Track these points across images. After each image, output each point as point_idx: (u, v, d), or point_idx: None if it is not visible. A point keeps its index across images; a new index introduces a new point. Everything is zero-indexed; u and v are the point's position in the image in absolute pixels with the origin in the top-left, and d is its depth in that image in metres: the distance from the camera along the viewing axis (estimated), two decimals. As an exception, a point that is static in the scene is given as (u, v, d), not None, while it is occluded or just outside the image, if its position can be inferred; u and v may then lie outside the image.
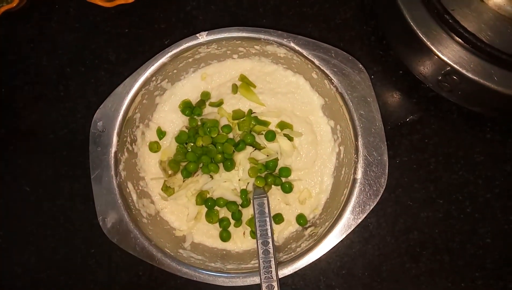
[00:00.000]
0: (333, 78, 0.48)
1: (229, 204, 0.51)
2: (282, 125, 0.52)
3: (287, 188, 0.51)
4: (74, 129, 0.58)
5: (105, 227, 0.47)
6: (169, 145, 0.53)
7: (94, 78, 0.59)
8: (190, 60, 0.52)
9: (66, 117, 0.58)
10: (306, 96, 0.53)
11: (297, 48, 0.48)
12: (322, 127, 0.53)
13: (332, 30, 0.58)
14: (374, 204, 0.46)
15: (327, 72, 0.48)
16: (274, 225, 0.51)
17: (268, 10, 0.59)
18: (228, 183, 0.52)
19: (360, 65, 0.48)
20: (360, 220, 0.46)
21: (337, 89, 0.48)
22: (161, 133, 0.53)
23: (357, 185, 0.46)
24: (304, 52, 0.48)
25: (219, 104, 0.53)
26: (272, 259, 0.44)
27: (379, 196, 0.46)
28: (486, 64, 0.45)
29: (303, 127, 0.52)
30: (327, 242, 0.45)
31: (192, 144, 0.52)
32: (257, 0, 0.60)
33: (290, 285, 0.53)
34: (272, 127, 0.53)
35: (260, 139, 0.52)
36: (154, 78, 0.50)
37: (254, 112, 0.53)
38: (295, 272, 0.46)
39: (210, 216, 0.51)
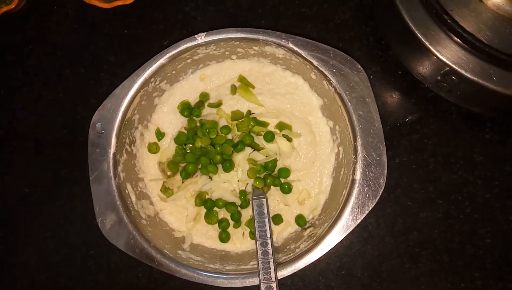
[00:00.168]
0: (331, 79, 0.48)
1: (228, 205, 0.51)
2: (281, 126, 0.52)
3: (286, 189, 0.51)
4: (73, 130, 0.58)
5: (104, 229, 0.47)
6: (168, 146, 0.53)
7: (93, 79, 0.59)
8: (189, 61, 0.52)
9: (65, 118, 0.58)
10: (305, 97, 0.53)
11: (295, 48, 0.48)
12: (321, 127, 0.53)
13: (331, 30, 0.58)
14: (373, 205, 0.46)
15: (326, 72, 0.48)
16: (273, 226, 0.51)
17: (266, 10, 0.59)
18: (227, 184, 0.52)
19: (359, 66, 0.48)
20: (359, 221, 0.46)
21: (335, 89, 0.48)
22: (160, 134, 0.53)
23: (356, 185, 0.46)
24: (303, 53, 0.48)
25: (218, 105, 0.53)
26: (271, 260, 0.44)
27: (378, 196, 0.46)
28: (485, 64, 0.45)
29: (302, 127, 0.52)
30: (326, 243, 0.45)
31: (191, 145, 0.52)
32: (255, 1, 0.60)
33: (289, 286, 0.53)
34: (271, 127, 0.53)
35: (259, 140, 0.52)
36: (152, 79, 0.50)
37: (253, 113, 0.53)
38: (294, 273, 0.45)
39: (209, 217, 0.51)
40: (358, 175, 0.46)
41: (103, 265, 0.55)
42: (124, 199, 0.48)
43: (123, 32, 0.60)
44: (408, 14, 0.47)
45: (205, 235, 0.52)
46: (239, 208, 0.52)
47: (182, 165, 0.52)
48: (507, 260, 0.53)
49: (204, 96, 0.54)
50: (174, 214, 0.52)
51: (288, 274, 0.45)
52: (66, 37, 0.60)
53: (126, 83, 0.49)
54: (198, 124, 0.53)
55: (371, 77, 0.56)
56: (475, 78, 0.45)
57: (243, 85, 0.53)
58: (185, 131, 0.53)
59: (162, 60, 0.49)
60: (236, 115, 0.53)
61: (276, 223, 0.51)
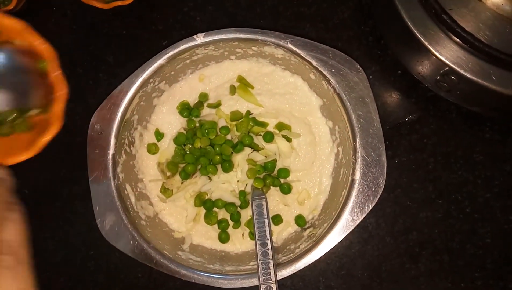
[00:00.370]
0: (331, 79, 0.48)
1: (227, 205, 0.51)
2: (281, 126, 0.52)
3: (286, 189, 0.51)
4: (72, 131, 0.58)
5: (104, 229, 0.47)
6: (167, 147, 0.53)
7: (92, 79, 0.59)
8: (188, 61, 0.51)
9: (64, 118, 0.58)
10: (304, 97, 0.53)
11: (294, 49, 0.48)
12: (320, 128, 0.53)
13: (330, 30, 0.58)
14: (373, 205, 0.46)
15: (325, 72, 0.48)
16: (273, 226, 0.51)
17: (265, 10, 0.59)
18: (227, 184, 0.52)
19: (358, 66, 0.48)
20: (359, 221, 0.46)
21: (335, 89, 0.48)
22: (159, 135, 0.53)
23: (356, 185, 0.46)
24: (302, 53, 0.48)
25: (217, 105, 0.53)
26: (271, 261, 0.44)
27: (378, 196, 0.46)
28: (485, 64, 0.45)
29: (301, 128, 0.52)
30: (326, 243, 0.45)
31: (190, 146, 0.52)
32: (255, 0, 0.59)
33: (289, 287, 0.53)
34: (270, 128, 0.53)
35: (259, 140, 0.52)
36: (151, 79, 0.50)
37: (252, 113, 0.53)
38: (294, 273, 0.45)
39: (209, 218, 0.51)
40: (357, 175, 0.46)
41: (103, 266, 0.55)
42: (124, 199, 0.48)
43: (122, 33, 0.60)
44: (407, 13, 0.47)
45: (205, 236, 0.52)
46: (238, 209, 0.52)
47: (182, 165, 0.52)
48: (507, 259, 0.53)
49: (203, 97, 0.54)
50: (174, 215, 0.52)
51: (288, 275, 0.45)
52: (64, 38, 0.60)
53: (125, 83, 0.48)
54: (197, 124, 0.52)
55: (370, 77, 0.56)
56: (474, 78, 0.45)
57: (242, 85, 0.53)
58: (184, 132, 0.53)
59: (161, 61, 0.49)
60: (235, 116, 0.52)
61: (276, 224, 0.51)
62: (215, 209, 0.52)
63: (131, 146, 0.51)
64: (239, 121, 0.52)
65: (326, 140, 0.52)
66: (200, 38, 0.49)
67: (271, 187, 0.52)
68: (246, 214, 0.52)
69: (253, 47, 0.50)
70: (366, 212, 0.46)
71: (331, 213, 0.48)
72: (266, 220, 0.47)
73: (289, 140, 0.52)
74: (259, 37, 0.48)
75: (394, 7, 0.47)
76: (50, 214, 0.56)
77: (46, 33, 0.60)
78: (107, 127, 0.48)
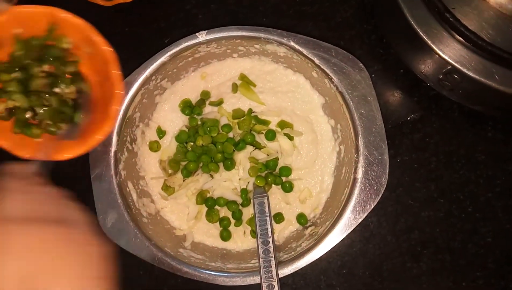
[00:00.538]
0: (333, 77, 0.48)
1: (229, 203, 0.51)
2: (282, 124, 0.52)
3: (288, 188, 0.51)
4: (74, 129, 0.58)
5: (105, 226, 0.47)
6: (169, 145, 0.53)
7: (94, 77, 0.59)
8: (190, 59, 0.51)
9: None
10: (306, 95, 0.53)
11: (297, 47, 0.48)
12: (322, 126, 0.53)
13: (332, 29, 0.58)
14: (375, 204, 0.46)
15: (327, 71, 0.48)
16: (274, 224, 0.51)
17: (268, 9, 0.59)
18: (228, 182, 0.52)
19: (361, 64, 0.48)
20: (360, 220, 0.46)
21: (337, 88, 0.48)
22: (161, 133, 0.53)
23: (358, 184, 0.46)
24: (304, 51, 0.48)
25: (219, 103, 0.53)
26: (273, 259, 0.44)
27: (380, 195, 0.46)
28: (487, 62, 0.45)
29: (303, 126, 0.52)
30: (327, 242, 0.45)
31: (192, 144, 0.52)
32: (257, -1, 0.60)
33: (290, 285, 0.53)
34: (272, 126, 0.53)
35: (260, 139, 0.52)
36: (153, 77, 0.50)
37: (254, 111, 0.53)
38: (296, 272, 0.45)
39: (211, 216, 0.51)
40: (359, 174, 0.46)
41: (104, 264, 0.55)
42: (125, 197, 0.48)
43: (124, 30, 0.60)
44: (410, 12, 0.47)
45: (206, 234, 0.52)
46: (240, 207, 0.52)
47: (183, 163, 0.52)
48: (509, 259, 0.53)
49: (205, 95, 0.53)
50: (175, 213, 0.52)
51: (290, 273, 0.45)
52: (67, 35, 0.60)
53: (127, 81, 0.48)
54: (199, 122, 0.52)
55: (373, 76, 0.56)
56: (477, 77, 0.45)
57: (244, 83, 0.53)
58: (186, 130, 0.53)
59: (163, 58, 0.49)
60: (237, 114, 0.52)
61: (277, 222, 0.51)
62: (216, 207, 0.52)
63: (133, 143, 0.51)
64: (241, 119, 0.52)
65: (328, 138, 0.52)
66: (202, 36, 0.49)
67: (273, 185, 0.51)
68: (247, 212, 0.52)
69: (255, 45, 0.50)
70: (368, 211, 0.46)
71: (332, 211, 0.48)
72: (267, 218, 0.47)
73: (291, 138, 0.52)
74: (262, 35, 0.48)
75: (397, 5, 0.47)
76: (51, 212, 0.56)
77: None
78: (109, 125, 0.48)
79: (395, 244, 0.53)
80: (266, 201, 0.47)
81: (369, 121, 0.47)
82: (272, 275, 0.43)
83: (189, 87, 0.54)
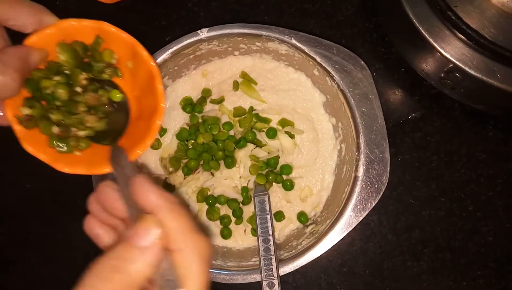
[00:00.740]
0: (334, 75, 0.48)
1: (230, 201, 0.51)
2: (284, 123, 0.52)
3: (288, 186, 0.51)
4: (75, 126, 0.58)
5: (106, 224, 0.46)
6: (170, 142, 0.53)
7: (95, 75, 0.59)
8: (191, 56, 0.51)
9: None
10: (307, 93, 0.53)
11: (298, 44, 0.48)
12: (323, 124, 0.53)
13: (334, 27, 0.58)
14: (376, 202, 0.46)
15: (329, 69, 0.48)
16: (275, 222, 0.51)
17: (269, 7, 0.59)
18: (229, 180, 0.52)
19: (362, 62, 0.48)
20: (361, 218, 0.45)
21: (338, 86, 0.48)
22: (162, 130, 0.53)
23: (359, 182, 0.46)
24: (306, 49, 0.48)
25: (220, 101, 0.53)
26: (273, 257, 0.44)
27: (381, 194, 0.46)
28: (489, 61, 0.44)
29: (304, 124, 0.52)
30: (328, 240, 0.45)
31: (193, 141, 0.52)
32: (258, -3, 0.59)
33: (291, 283, 0.53)
34: (273, 124, 0.53)
35: (261, 137, 0.52)
36: (155, 74, 0.49)
37: (255, 109, 0.53)
38: (296, 270, 0.45)
39: (211, 214, 0.51)
40: (360, 172, 0.46)
41: (105, 261, 0.55)
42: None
43: (125, 28, 0.59)
44: (412, 10, 0.46)
45: (207, 232, 0.52)
46: (241, 205, 0.52)
47: (184, 161, 0.52)
48: (510, 258, 0.52)
49: (206, 92, 0.53)
50: (176, 210, 0.52)
51: (290, 271, 0.45)
52: (68, 33, 0.60)
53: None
54: (200, 120, 0.52)
55: (374, 74, 0.56)
56: (479, 75, 0.45)
57: (246, 81, 0.53)
58: (187, 127, 0.53)
59: (164, 56, 0.49)
60: (238, 112, 0.52)
61: (278, 220, 0.51)
62: (217, 205, 0.52)
63: (134, 141, 0.51)
64: (242, 117, 0.52)
65: (329, 136, 0.52)
66: (204, 33, 0.49)
67: (274, 183, 0.51)
68: (248, 210, 0.52)
69: (256, 43, 0.50)
70: (369, 209, 0.46)
71: (333, 210, 0.48)
72: (268, 217, 0.46)
73: (292, 136, 0.52)
74: (263, 33, 0.48)
75: (399, 3, 0.47)
76: (52, 209, 0.56)
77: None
78: (110, 122, 0.48)
79: (396, 242, 0.53)
80: (266, 199, 0.47)
81: (370, 119, 0.47)
82: (272, 273, 0.43)
83: (190, 84, 0.54)
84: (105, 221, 0.33)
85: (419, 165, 0.54)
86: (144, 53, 0.36)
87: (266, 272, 0.44)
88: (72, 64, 0.36)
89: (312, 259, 0.45)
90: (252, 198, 0.49)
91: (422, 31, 0.46)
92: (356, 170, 0.46)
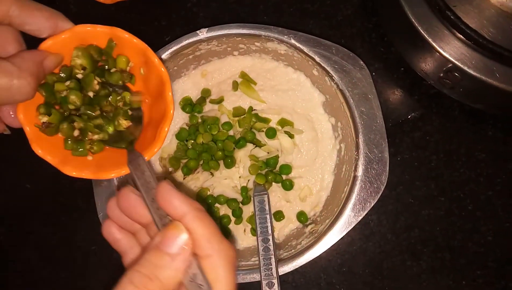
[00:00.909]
0: (334, 75, 0.48)
1: (229, 201, 0.51)
2: (283, 122, 0.52)
3: (288, 186, 0.51)
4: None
5: (106, 224, 0.47)
6: (169, 142, 0.53)
7: (94, 75, 0.59)
8: (191, 57, 0.51)
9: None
10: (307, 93, 0.53)
11: (297, 44, 0.48)
12: (323, 124, 0.53)
13: (333, 27, 0.58)
14: (375, 201, 0.46)
15: (328, 68, 0.48)
16: (274, 222, 0.51)
17: (269, 7, 0.59)
18: (229, 180, 0.52)
19: (361, 62, 0.48)
20: (360, 217, 0.46)
21: (338, 86, 0.48)
22: (161, 130, 0.53)
23: (358, 182, 0.46)
24: (305, 49, 0.48)
25: (219, 101, 0.53)
26: (273, 256, 0.44)
27: (380, 193, 0.46)
28: (488, 61, 0.45)
29: (303, 124, 0.52)
30: (327, 240, 0.45)
31: (192, 141, 0.52)
32: (258, -3, 0.60)
33: (290, 283, 0.53)
34: (272, 124, 0.53)
35: (261, 136, 0.52)
36: (154, 75, 0.50)
37: (254, 109, 0.53)
38: (296, 269, 0.45)
39: (211, 213, 0.51)
40: (359, 172, 0.46)
41: (105, 261, 0.55)
42: (126, 194, 0.48)
43: (125, 28, 0.59)
44: (411, 10, 0.47)
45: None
46: (240, 205, 0.52)
47: (184, 161, 0.52)
48: (509, 258, 0.52)
49: (205, 92, 0.54)
50: (176, 210, 0.52)
51: (290, 270, 0.45)
52: (68, 33, 0.60)
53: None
54: (199, 120, 0.53)
55: (373, 74, 0.56)
56: (478, 75, 0.45)
57: (245, 81, 0.53)
58: (187, 127, 0.53)
59: (163, 56, 0.49)
60: (237, 112, 0.52)
61: (278, 220, 0.51)
62: (217, 204, 0.52)
63: (134, 141, 0.51)
64: (242, 117, 0.52)
65: (329, 136, 0.52)
66: (203, 33, 0.49)
67: (273, 183, 0.52)
68: (248, 210, 0.52)
69: (256, 43, 0.50)
70: (368, 209, 0.46)
71: (333, 209, 0.48)
72: (267, 216, 0.47)
73: (291, 136, 0.52)
74: (262, 33, 0.48)
75: (398, 4, 0.47)
76: (52, 210, 0.56)
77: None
78: (109, 122, 0.48)
79: (395, 242, 0.53)
80: (266, 199, 0.47)
81: (370, 119, 0.47)
82: (272, 273, 0.43)
83: (189, 85, 0.54)
84: (124, 226, 0.33)
85: (419, 165, 0.55)
86: (155, 59, 0.37)
87: (265, 271, 0.44)
88: (88, 69, 0.36)
89: (312, 258, 0.45)
90: (252, 198, 0.49)
91: (421, 31, 0.46)
92: (355, 169, 0.46)
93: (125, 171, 0.36)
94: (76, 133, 0.37)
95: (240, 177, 0.52)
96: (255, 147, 0.52)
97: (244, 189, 0.51)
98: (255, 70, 0.53)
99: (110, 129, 0.37)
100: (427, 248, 0.53)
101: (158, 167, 0.53)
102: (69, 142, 0.37)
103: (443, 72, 0.48)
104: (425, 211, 0.54)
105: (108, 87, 0.37)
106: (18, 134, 0.59)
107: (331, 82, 0.49)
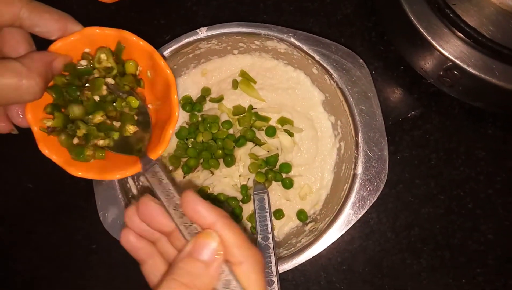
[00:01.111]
0: (333, 73, 0.48)
1: (229, 199, 0.51)
2: (283, 121, 0.52)
3: (288, 184, 0.51)
4: (75, 125, 0.58)
5: (106, 222, 0.47)
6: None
7: (95, 74, 0.59)
8: (191, 55, 0.52)
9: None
10: (306, 92, 0.53)
11: (297, 43, 0.48)
12: (322, 122, 0.53)
13: (333, 25, 0.58)
14: (374, 200, 0.46)
15: (328, 67, 0.48)
16: (274, 220, 0.51)
17: (268, 5, 0.59)
18: (229, 178, 0.52)
19: (361, 60, 0.48)
20: (360, 216, 0.46)
21: (337, 84, 0.48)
22: (161, 129, 0.53)
23: (357, 180, 0.46)
24: (304, 47, 0.48)
25: (219, 99, 0.53)
26: (272, 255, 0.44)
27: (379, 191, 0.46)
28: (488, 58, 0.45)
29: (303, 122, 0.52)
30: (327, 238, 0.45)
31: (192, 140, 0.52)
32: (257, -4, 0.60)
33: (290, 281, 0.53)
34: (272, 122, 0.53)
35: (261, 135, 0.52)
36: (154, 73, 0.50)
37: (254, 108, 0.53)
38: (296, 268, 0.45)
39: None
40: (359, 170, 0.46)
41: (105, 260, 0.55)
42: (126, 193, 0.48)
43: (125, 28, 0.59)
44: (410, 8, 0.47)
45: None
46: (240, 203, 0.52)
47: (184, 159, 0.52)
48: (509, 256, 0.53)
49: (205, 91, 0.54)
50: (176, 209, 0.52)
51: (289, 268, 0.45)
52: (68, 32, 0.60)
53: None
54: (199, 118, 0.53)
55: (373, 72, 0.56)
56: (477, 73, 0.45)
57: (245, 80, 0.53)
58: (187, 126, 0.53)
59: (164, 55, 0.49)
60: (237, 110, 0.53)
61: (277, 218, 0.51)
62: (217, 203, 0.52)
63: (134, 140, 0.51)
64: (242, 115, 0.52)
65: (328, 135, 0.52)
66: (203, 32, 0.49)
67: (273, 181, 0.52)
68: (248, 208, 0.52)
69: (256, 42, 0.50)
70: (368, 207, 0.46)
71: (332, 207, 0.48)
72: (267, 215, 0.47)
73: (291, 134, 0.52)
74: (262, 31, 0.48)
75: (398, 2, 0.47)
76: (53, 208, 0.57)
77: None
78: (109, 121, 0.48)
79: (395, 240, 0.53)
80: (266, 197, 0.47)
81: (369, 117, 0.47)
82: (271, 271, 0.43)
83: (189, 83, 0.54)
84: (144, 235, 0.33)
85: (418, 163, 0.55)
86: (161, 62, 0.37)
87: (265, 269, 0.44)
88: (103, 73, 0.37)
89: (311, 256, 0.45)
90: (252, 196, 0.49)
91: (421, 30, 0.46)
92: (355, 168, 0.46)
93: (130, 172, 0.36)
94: (75, 141, 0.37)
95: (240, 175, 0.52)
96: (255, 145, 0.52)
97: (244, 188, 0.51)
98: (255, 69, 0.53)
99: (116, 135, 0.37)
100: (427, 246, 0.53)
101: (158, 166, 0.53)
102: (72, 149, 0.37)
103: (443, 71, 0.48)
104: (425, 210, 0.54)
105: (114, 92, 0.37)
106: (19, 134, 0.59)
107: (330, 81, 0.49)
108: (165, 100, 0.38)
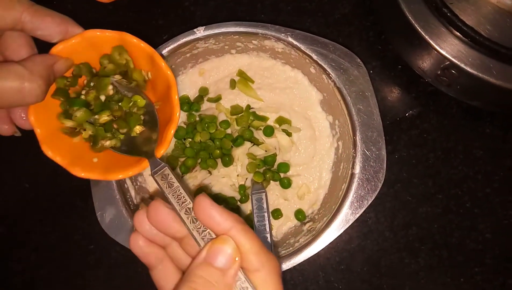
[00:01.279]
0: (331, 73, 0.48)
1: (227, 199, 0.51)
2: (281, 121, 0.52)
3: (286, 184, 0.51)
4: (73, 125, 0.58)
5: (104, 222, 0.47)
6: (167, 141, 0.53)
7: (92, 74, 0.59)
8: (188, 55, 0.51)
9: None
10: (304, 91, 0.53)
11: (295, 42, 0.48)
12: (320, 122, 0.53)
13: (331, 25, 0.58)
14: (372, 199, 0.46)
15: (325, 66, 0.48)
16: (272, 220, 0.51)
17: (266, 5, 0.59)
18: (227, 178, 0.52)
19: (358, 60, 0.48)
20: (358, 215, 0.46)
21: (335, 83, 0.48)
22: (159, 129, 0.53)
23: (355, 180, 0.46)
24: (302, 47, 0.48)
25: (217, 99, 0.53)
26: (270, 254, 0.44)
27: (377, 191, 0.46)
28: (485, 58, 0.45)
29: (301, 122, 0.52)
30: (325, 237, 0.45)
31: (190, 140, 0.52)
32: (255, -5, 0.60)
33: (288, 281, 0.53)
34: (270, 122, 0.53)
35: (259, 135, 0.52)
36: (152, 73, 0.50)
37: (252, 108, 0.53)
38: (294, 267, 0.45)
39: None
40: (357, 169, 0.46)
41: (103, 260, 0.55)
42: (124, 193, 0.48)
43: (122, 28, 0.59)
44: (408, 7, 0.47)
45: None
46: (238, 203, 0.52)
47: (182, 159, 0.52)
48: (507, 255, 0.53)
49: (203, 91, 0.54)
50: (174, 209, 0.52)
51: (287, 268, 0.45)
52: (65, 32, 0.60)
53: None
54: (197, 118, 0.53)
55: (371, 72, 0.56)
56: (475, 72, 0.45)
57: (243, 79, 0.53)
58: (185, 126, 0.53)
59: (162, 55, 0.49)
60: (235, 110, 0.53)
61: (276, 218, 0.51)
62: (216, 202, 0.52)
63: (131, 140, 0.51)
64: (239, 115, 0.52)
65: (326, 134, 0.52)
66: (200, 32, 0.49)
67: (271, 181, 0.52)
68: (246, 208, 0.52)
69: (253, 41, 0.50)
70: (366, 206, 0.46)
71: (330, 207, 0.48)
72: (265, 214, 0.47)
73: (289, 134, 0.52)
74: (259, 31, 0.48)
75: (395, 2, 0.47)
76: (50, 209, 0.56)
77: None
78: (107, 121, 0.48)
79: (393, 240, 0.53)
80: (264, 197, 0.47)
81: (367, 116, 0.47)
82: (270, 271, 0.43)
83: (187, 83, 0.54)
84: (154, 239, 0.32)
85: (416, 162, 0.55)
86: (162, 63, 0.37)
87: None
88: (113, 72, 0.37)
89: (310, 256, 0.45)
90: (250, 196, 0.49)
91: (418, 29, 0.46)
92: (353, 167, 0.46)
93: (132, 172, 0.36)
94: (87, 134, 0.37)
95: (238, 175, 0.52)
96: (253, 145, 0.52)
97: (242, 187, 0.51)
98: (252, 68, 0.53)
99: (122, 136, 0.37)
100: (425, 246, 0.53)
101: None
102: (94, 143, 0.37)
103: (440, 70, 0.48)
104: (422, 209, 0.54)
105: (120, 92, 0.38)
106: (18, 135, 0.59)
107: (328, 80, 0.49)
108: (165, 100, 0.38)
